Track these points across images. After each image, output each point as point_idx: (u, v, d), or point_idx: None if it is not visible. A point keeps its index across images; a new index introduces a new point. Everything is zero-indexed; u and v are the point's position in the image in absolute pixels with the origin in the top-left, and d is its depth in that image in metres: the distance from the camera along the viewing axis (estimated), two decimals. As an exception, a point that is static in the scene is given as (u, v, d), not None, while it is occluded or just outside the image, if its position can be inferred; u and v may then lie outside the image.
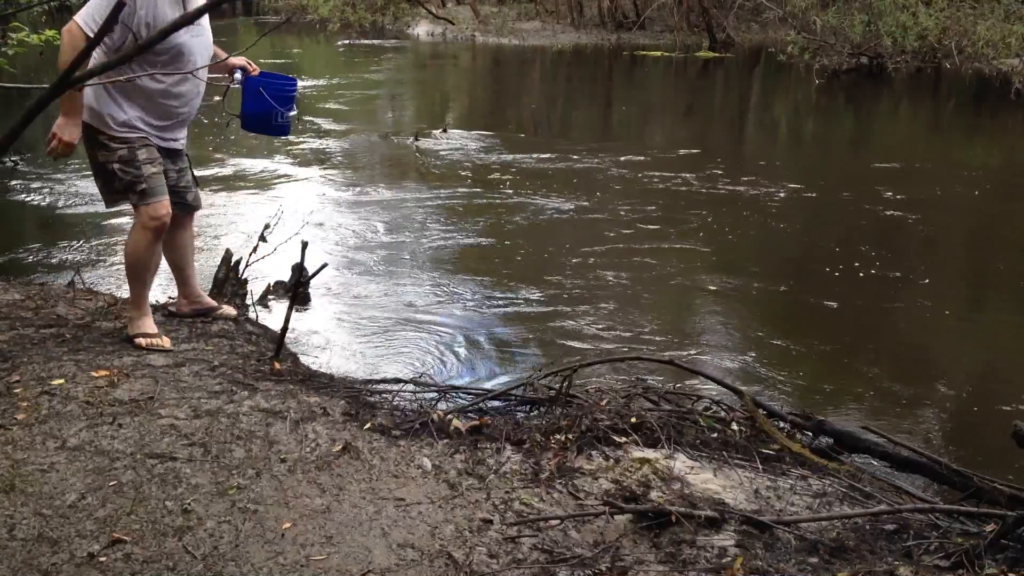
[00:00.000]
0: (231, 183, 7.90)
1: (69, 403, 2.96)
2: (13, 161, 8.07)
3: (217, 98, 4.00)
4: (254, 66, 3.76)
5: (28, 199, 7.11)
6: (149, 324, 3.56)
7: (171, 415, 2.91)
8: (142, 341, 3.49)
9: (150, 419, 2.90)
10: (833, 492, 2.75)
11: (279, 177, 8.28)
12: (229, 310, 4.02)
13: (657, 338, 4.60)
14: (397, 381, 3.49)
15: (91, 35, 3.08)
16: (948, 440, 3.69)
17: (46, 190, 7.29)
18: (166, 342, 3.53)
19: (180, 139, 3.64)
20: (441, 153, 9.56)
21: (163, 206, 3.43)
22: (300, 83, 3.82)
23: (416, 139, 10.17)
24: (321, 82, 15.67)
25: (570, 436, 2.92)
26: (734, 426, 3.13)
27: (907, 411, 3.91)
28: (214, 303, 3.99)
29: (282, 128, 3.86)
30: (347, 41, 24.31)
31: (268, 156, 9.17)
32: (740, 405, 3.22)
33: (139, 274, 3.51)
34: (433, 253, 5.97)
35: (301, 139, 10.08)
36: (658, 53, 21.45)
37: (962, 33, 16.80)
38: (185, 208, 3.74)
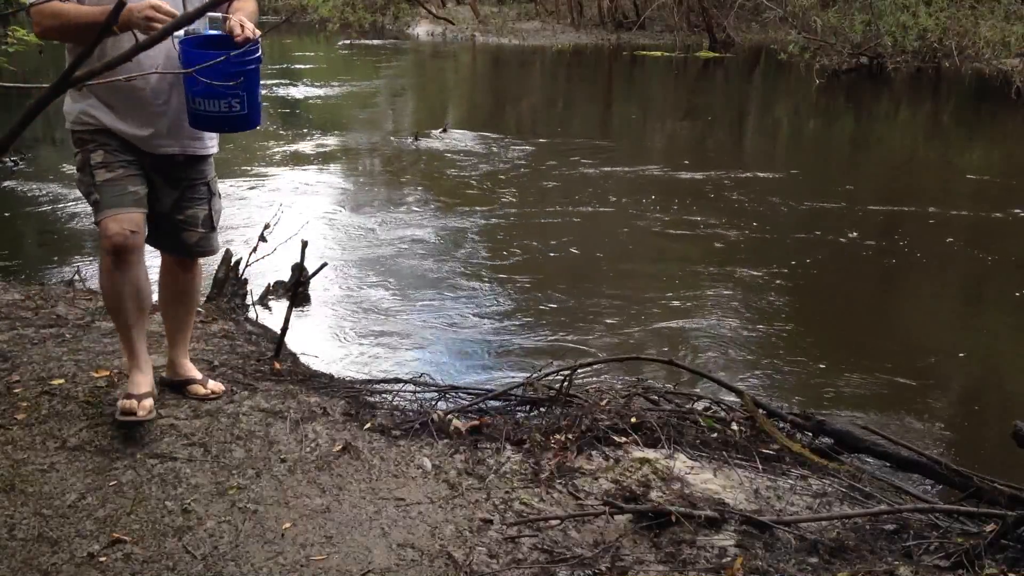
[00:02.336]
0: (230, 183, 7.90)
1: (69, 403, 2.96)
2: (13, 161, 8.07)
3: None
4: (247, 27, 2.48)
5: (28, 199, 7.11)
6: (138, 381, 2.80)
7: (171, 415, 2.91)
8: (121, 403, 2.75)
9: (150, 419, 2.90)
10: (833, 492, 2.75)
11: (278, 177, 8.28)
12: (214, 386, 3.02)
13: (657, 338, 4.61)
14: (397, 381, 3.48)
15: None
16: (948, 440, 3.69)
17: (46, 190, 7.29)
18: (143, 409, 2.74)
19: (175, 142, 2.72)
20: (441, 153, 9.56)
21: (115, 221, 2.62)
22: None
23: (416, 139, 10.18)
24: (321, 81, 15.66)
25: (570, 436, 2.92)
26: (734, 426, 3.12)
27: (907, 411, 3.91)
28: (194, 375, 3.02)
29: (234, 119, 2.55)
30: (347, 41, 24.31)
31: (267, 156, 9.17)
32: (740, 405, 3.22)
33: (114, 310, 2.79)
34: (433, 253, 5.97)
35: (300, 139, 10.08)
36: (658, 53, 21.45)
37: (962, 33, 16.81)
38: (182, 251, 2.87)
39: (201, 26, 2.69)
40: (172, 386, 3.02)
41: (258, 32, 2.51)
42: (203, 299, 4.32)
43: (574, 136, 11.47)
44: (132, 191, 2.67)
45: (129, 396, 2.76)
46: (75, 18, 2.43)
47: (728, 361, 4.38)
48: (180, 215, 2.82)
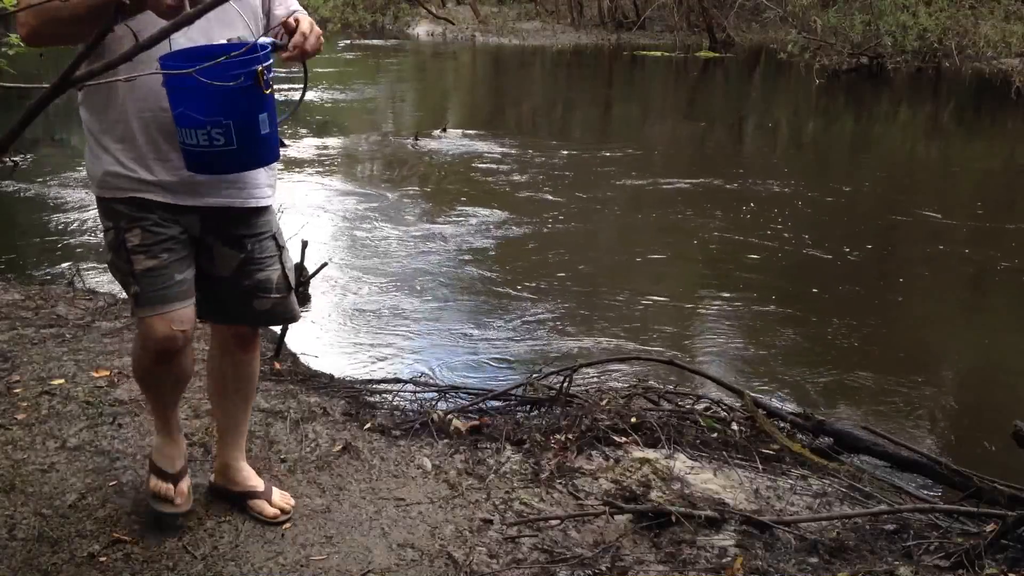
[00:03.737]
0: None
1: (69, 403, 2.96)
2: (13, 161, 8.07)
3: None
4: (303, 28, 1.98)
5: (28, 199, 7.11)
6: (169, 455, 2.34)
7: (171, 415, 2.91)
8: (151, 484, 2.34)
9: (150, 419, 2.89)
10: (833, 492, 2.75)
11: (278, 176, 8.28)
12: (281, 501, 2.42)
13: (657, 338, 4.60)
14: (397, 381, 3.49)
15: None
16: (948, 440, 3.69)
17: (46, 190, 7.29)
18: (180, 496, 2.32)
19: (231, 188, 2.14)
20: (441, 153, 9.56)
21: (163, 321, 2.10)
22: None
23: (416, 139, 10.18)
24: (321, 82, 15.66)
25: (570, 436, 2.92)
26: (734, 426, 3.13)
27: (907, 411, 3.91)
28: (255, 485, 2.42)
29: (218, 157, 1.91)
30: (347, 41, 24.32)
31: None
32: (740, 405, 3.22)
33: (148, 388, 2.33)
34: (433, 253, 5.96)
35: (299, 138, 10.07)
36: (658, 53, 21.46)
37: (962, 33, 16.82)
38: (250, 319, 2.30)
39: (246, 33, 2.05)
40: (227, 497, 2.44)
41: (314, 44, 1.98)
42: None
43: (575, 136, 11.47)
44: (179, 279, 2.12)
45: (162, 474, 2.30)
46: (73, 7, 1.84)
47: (728, 361, 4.37)
48: (248, 280, 2.22)
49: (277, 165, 2.18)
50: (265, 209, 2.26)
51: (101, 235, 2.21)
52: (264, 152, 1.97)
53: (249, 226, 2.22)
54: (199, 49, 1.92)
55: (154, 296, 2.09)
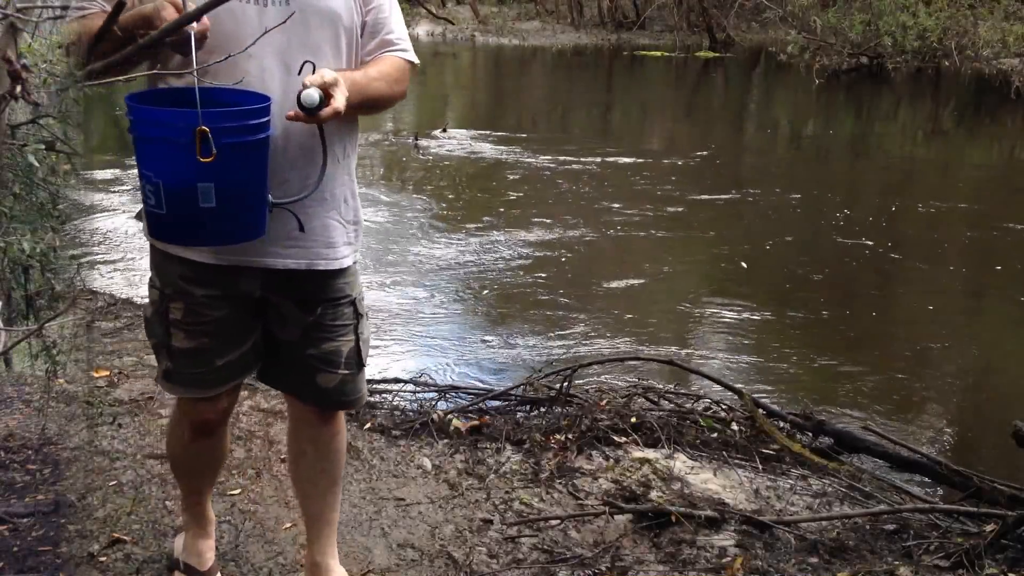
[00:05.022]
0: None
1: (69, 403, 2.96)
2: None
3: None
4: (328, 85, 1.58)
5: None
6: (199, 551, 2.08)
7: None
8: None
9: (150, 419, 2.90)
10: (833, 492, 2.75)
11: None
12: None
13: (657, 338, 4.61)
14: (397, 381, 3.49)
15: None
16: (948, 440, 3.69)
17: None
18: None
19: (296, 246, 1.74)
20: (441, 153, 9.56)
21: (196, 405, 1.88)
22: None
23: (416, 139, 10.18)
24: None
25: (570, 436, 2.93)
26: (734, 426, 3.13)
27: (907, 411, 3.91)
28: None
29: (151, 220, 1.55)
30: (347, 41, 24.32)
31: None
32: (740, 405, 3.22)
33: (186, 475, 2.09)
34: (433, 253, 5.96)
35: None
36: (658, 53, 21.46)
37: (962, 33, 16.82)
38: (313, 398, 1.91)
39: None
40: None
41: (338, 105, 1.58)
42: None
43: (575, 136, 11.46)
44: (220, 364, 1.81)
45: (191, 572, 2.06)
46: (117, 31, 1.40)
47: (728, 361, 4.37)
48: (314, 349, 1.84)
49: (348, 202, 1.78)
50: (344, 271, 1.84)
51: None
52: (204, 230, 1.56)
53: (323, 288, 1.82)
54: (177, 92, 1.54)
55: (187, 378, 1.82)
